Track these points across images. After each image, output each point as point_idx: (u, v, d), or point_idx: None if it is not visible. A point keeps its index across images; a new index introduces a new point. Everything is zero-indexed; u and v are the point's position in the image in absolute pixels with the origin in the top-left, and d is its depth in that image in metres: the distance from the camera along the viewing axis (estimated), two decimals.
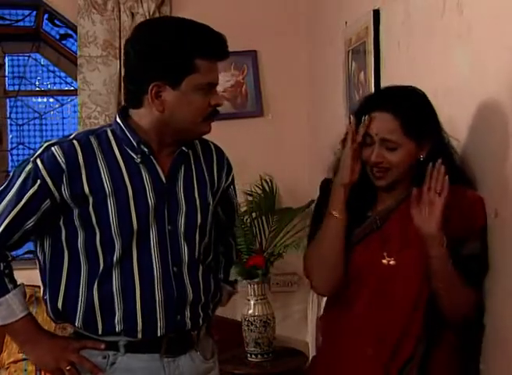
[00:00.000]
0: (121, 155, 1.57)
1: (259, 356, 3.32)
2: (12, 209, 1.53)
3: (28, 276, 3.67)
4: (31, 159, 1.55)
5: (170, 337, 1.59)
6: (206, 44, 1.53)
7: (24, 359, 3.24)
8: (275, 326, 3.38)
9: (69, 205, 1.54)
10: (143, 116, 1.57)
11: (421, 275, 1.62)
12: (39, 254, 1.62)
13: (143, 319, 1.55)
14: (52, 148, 1.54)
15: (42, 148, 1.56)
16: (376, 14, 2.44)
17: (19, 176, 1.55)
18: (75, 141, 1.56)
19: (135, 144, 1.57)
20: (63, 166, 1.52)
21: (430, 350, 1.64)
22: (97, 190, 1.54)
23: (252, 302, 3.35)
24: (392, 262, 1.67)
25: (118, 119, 1.61)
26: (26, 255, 3.87)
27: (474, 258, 1.63)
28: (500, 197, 1.61)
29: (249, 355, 3.34)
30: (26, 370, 3.20)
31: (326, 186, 1.79)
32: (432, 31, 2.01)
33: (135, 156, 1.57)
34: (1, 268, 1.56)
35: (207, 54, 1.53)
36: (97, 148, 1.56)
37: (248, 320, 3.33)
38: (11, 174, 1.59)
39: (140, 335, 1.56)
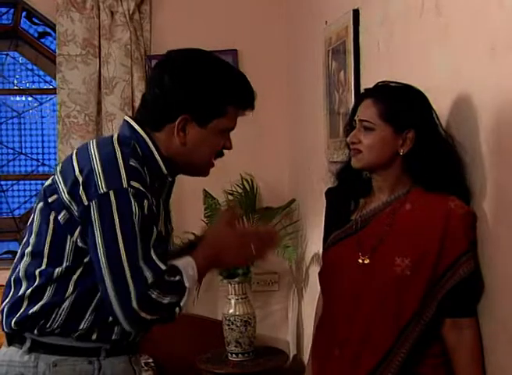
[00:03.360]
0: (147, 174, 1.53)
1: (240, 355, 3.32)
2: (149, 237, 1.45)
3: (6, 276, 3.64)
4: (124, 186, 1.42)
5: (140, 337, 1.63)
6: (243, 94, 1.57)
7: None
8: (256, 326, 3.38)
9: None
10: (162, 142, 1.55)
11: (394, 274, 1.62)
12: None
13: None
14: (132, 164, 1.46)
15: (123, 168, 1.44)
16: (356, 14, 2.45)
17: (128, 210, 1.42)
18: (134, 159, 1.49)
19: (165, 172, 1.57)
20: (146, 178, 1.49)
21: (412, 361, 1.62)
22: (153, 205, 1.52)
23: (233, 301, 3.35)
24: (366, 261, 1.68)
25: (145, 136, 1.55)
26: (4, 255, 3.84)
27: (468, 281, 1.60)
28: (475, 196, 1.64)
29: (230, 355, 3.34)
30: None
31: (330, 195, 1.88)
32: (410, 32, 2.03)
33: (154, 181, 1.55)
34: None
35: (240, 104, 1.57)
36: None
37: (229, 320, 3.33)
38: (100, 216, 1.42)
39: (125, 341, 1.58)
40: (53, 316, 1.51)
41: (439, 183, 1.65)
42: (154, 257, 1.44)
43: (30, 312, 1.51)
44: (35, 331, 1.52)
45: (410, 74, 1.99)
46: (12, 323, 1.53)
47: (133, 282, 1.41)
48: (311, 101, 3.16)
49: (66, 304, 1.51)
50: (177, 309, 1.47)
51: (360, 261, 1.68)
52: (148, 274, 1.42)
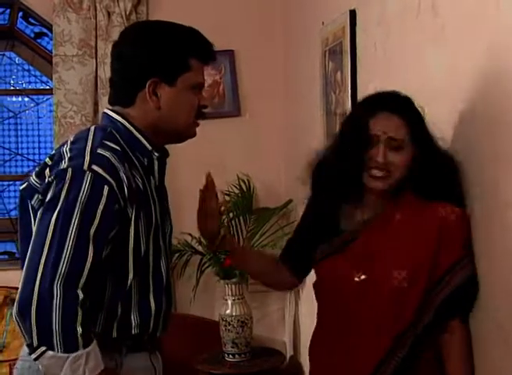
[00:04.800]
0: (134, 158, 1.55)
1: (236, 356, 3.31)
2: (89, 230, 1.39)
3: (3, 276, 3.63)
4: (84, 168, 1.42)
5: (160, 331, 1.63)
6: (200, 45, 1.59)
7: None
8: (253, 326, 3.38)
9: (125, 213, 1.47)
10: (138, 115, 1.56)
11: (391, 286, 1.60)
12: None
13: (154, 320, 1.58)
14: (101, 152, 1.46)
15: (88, 154, 1.45)
16: (352, 14, 2.45)
17: (77, 191, 1.40)
18: (110, 143, 1.50)
19: (149, 148, 1.57)
20: (120, 169, 1.46)
21: (405, 367, 1.61)
22: (140, 194, 1.51)
23: (229, 302, 3.35)
24: (363, 277, 1.63)
25: (121, 120, 1.56)
26: (1, 256, 3.83)
27: (464, 286, 1.59)
28: (471, 197, 1.64)
29: (226, 355, 3.34)
30: None
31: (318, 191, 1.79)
32: (407, 32, 2.03)
33: (142, 160, 1.57)
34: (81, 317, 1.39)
35: (200, 55, 1.58)
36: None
37: (226, 320, 3.33)
38: (53, 195, 1.42)
39: (146, 335, 1.58)
40: None
41: (432, 193, 1.63)
42: (88, 245, 1.38)
43: None
44: None
45: (407, 75, 1.99)
46: None
47: (44, 263, 1.36)
48: (308, 101, 3.16)
49: None
50: (43, 348, 1.36)
51: (357, 279, 1.64)
52: (63, 265, 1.36)
